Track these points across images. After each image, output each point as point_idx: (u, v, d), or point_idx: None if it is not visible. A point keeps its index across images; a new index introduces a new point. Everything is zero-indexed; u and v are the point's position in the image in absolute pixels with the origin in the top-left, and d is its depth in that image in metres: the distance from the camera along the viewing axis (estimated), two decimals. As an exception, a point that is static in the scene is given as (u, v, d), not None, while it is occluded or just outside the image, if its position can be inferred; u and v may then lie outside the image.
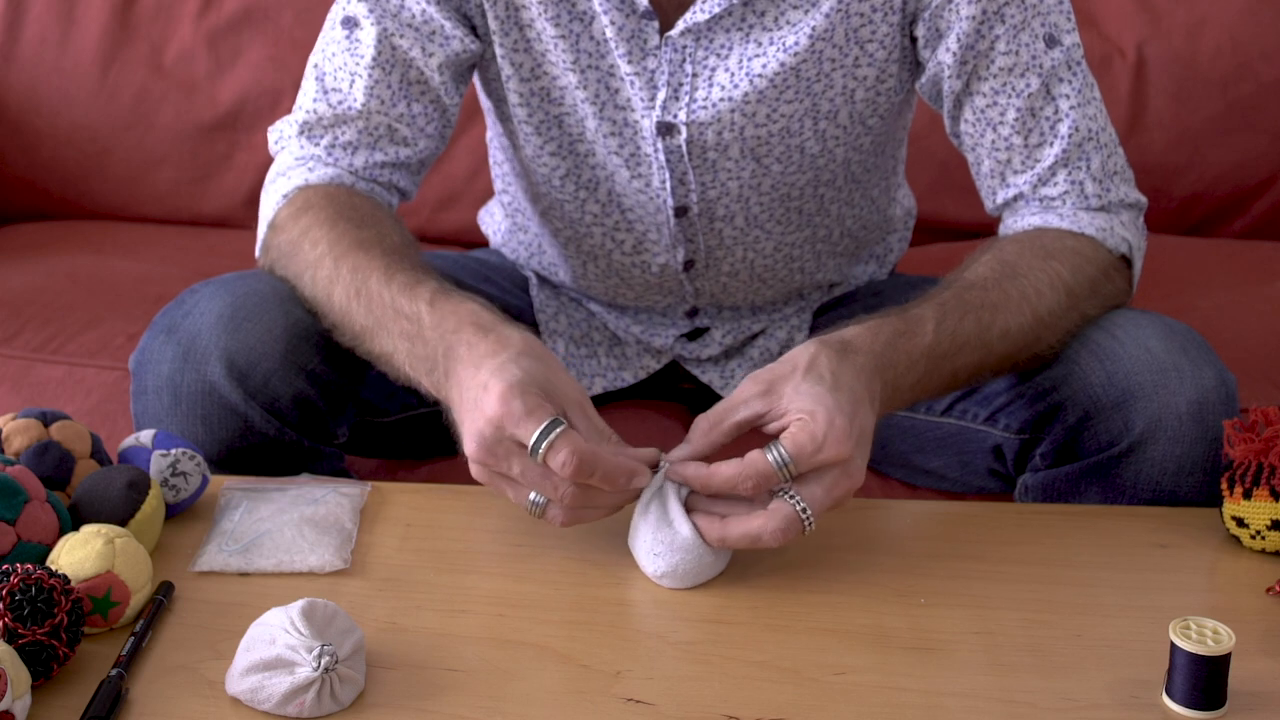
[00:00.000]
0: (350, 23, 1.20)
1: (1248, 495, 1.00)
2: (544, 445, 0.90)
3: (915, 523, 1.07)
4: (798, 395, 0.94)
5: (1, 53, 1.88)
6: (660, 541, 0.95)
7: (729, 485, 0.93)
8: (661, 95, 1.19)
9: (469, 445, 0.93)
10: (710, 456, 0.97)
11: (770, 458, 0.92)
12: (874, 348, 1.00)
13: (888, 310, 1.06)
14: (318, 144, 1.22)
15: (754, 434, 0.97)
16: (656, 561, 0.95)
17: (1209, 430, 1.08)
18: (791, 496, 0.92)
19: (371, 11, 1.19)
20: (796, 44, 1.17)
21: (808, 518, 0.93)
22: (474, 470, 0.95)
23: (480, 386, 0.93)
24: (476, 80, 1.31)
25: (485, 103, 1.33)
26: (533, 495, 0.94)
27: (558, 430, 0.90)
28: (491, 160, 1.43)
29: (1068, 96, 1.18)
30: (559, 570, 0.98)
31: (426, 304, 1.02)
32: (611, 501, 0.95)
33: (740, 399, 0.96)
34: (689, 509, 0.95)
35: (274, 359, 1.11)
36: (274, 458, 1.13)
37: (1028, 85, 1.17)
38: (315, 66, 1.23)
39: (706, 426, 0.97)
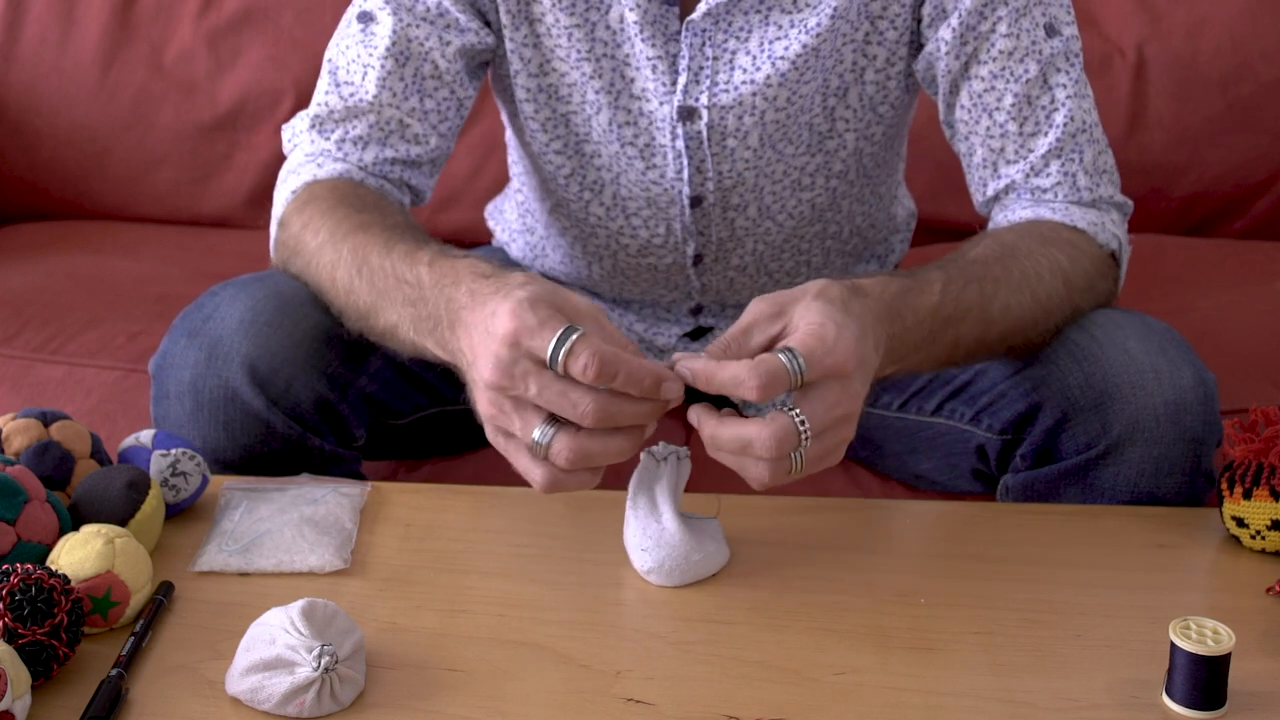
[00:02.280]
0: (366, 17, 1.21)
1: (1248, 495, 1.00)
2: (563, 351, 0.86)
3: (915, 523, 1.07)
4: (808, 311, 0.90)
5: (1, 53, 1.88)
6: (648, 536, 0.95)
7: (734, 382, 0.87)
8: (683, 80, 1.20)
9: (485, 372, 0.89)
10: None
11: (782, 357, 0.87)
12: (883, 295, 0.98)
13: (897, 270, 1.05)
14: (328, 138, 1.22)
15: None
16: (644, 557, 0.95)
17: (1187, 431, 1.07)
18: (791, 409, 0.88)
19: (387, 4, 1.19)
20: (818, 25, 1.17)
21: (805, 430, 0.88)
22: (485, 405, 0.91)
23: (489, 315, 0.90)
24: (489, 78, 1.31)
25: (499, 100, 1.33)
26: (536, 434, 0.89)
27: (575, 335, 0.86)
28: (509, 158, 1.43)
29: (1064, 86, 1.18)
30: (559, 570, 0.98)
31: (426, 266, 1.00)
32: (634, 416, 0.89)
33: (752, 323, 0.92)
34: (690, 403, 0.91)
35: (296, 364, 1.11)
36: (294, 463, 1.13)
37: (1026, 71, 1.17)
38: (329, 60, 1.23)
39: (720, 351, 0.91)
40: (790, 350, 0.87)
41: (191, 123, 1.89)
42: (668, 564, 0.95)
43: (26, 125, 1.90)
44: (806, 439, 0.88)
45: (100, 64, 1.88)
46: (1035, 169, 1.19)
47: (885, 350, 0.97)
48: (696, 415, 0.91)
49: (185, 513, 1.04)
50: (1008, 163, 1.21)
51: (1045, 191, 1.20)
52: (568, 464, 0.89)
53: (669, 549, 0.94)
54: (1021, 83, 1.18)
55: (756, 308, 0.92)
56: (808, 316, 0.90)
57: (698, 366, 0.89)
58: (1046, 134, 1.19)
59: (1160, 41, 1.85)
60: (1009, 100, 1.18)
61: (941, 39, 1.18)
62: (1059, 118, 1.18)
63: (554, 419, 0.89)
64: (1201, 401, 1.08)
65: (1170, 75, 1.85)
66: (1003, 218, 1.22)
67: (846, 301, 0.93)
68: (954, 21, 1.17)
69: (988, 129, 1.20)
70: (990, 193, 1.23)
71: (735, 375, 0.87)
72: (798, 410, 0.88)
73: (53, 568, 0.86)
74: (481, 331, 0.91)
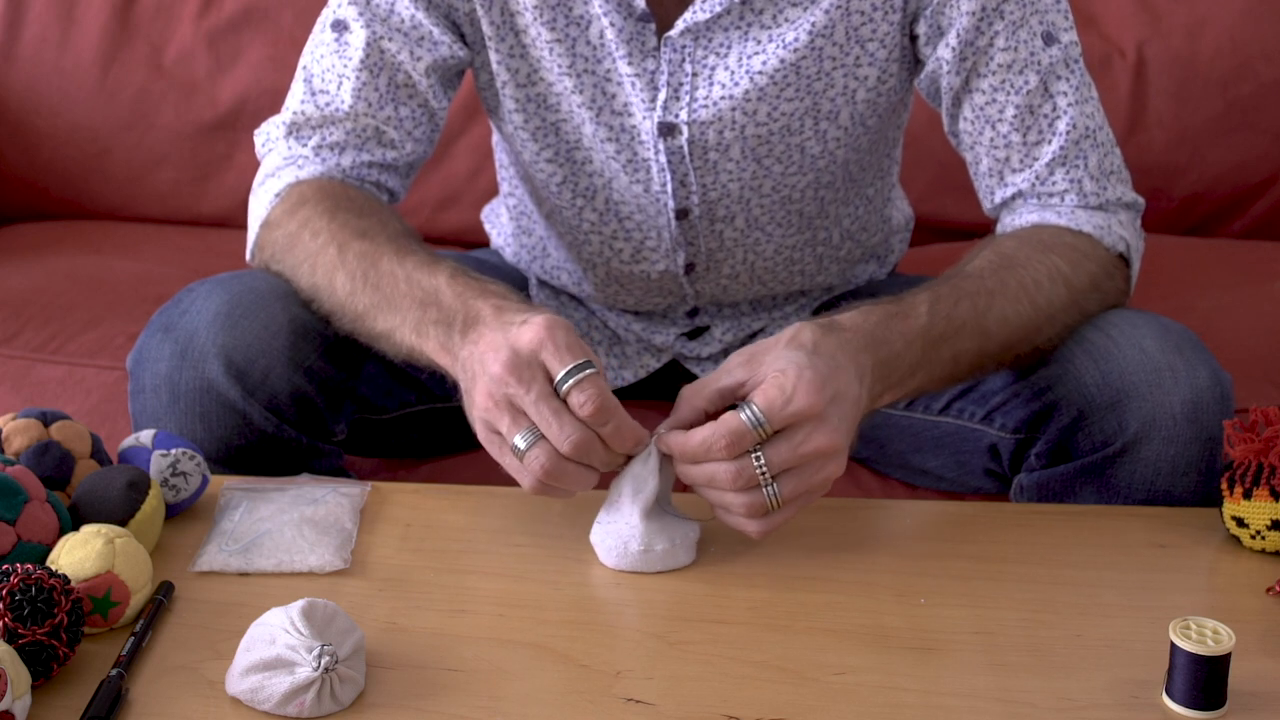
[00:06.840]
0: (340, 26, 1.21)
1: (1248, 495, 1.00)
2: (571, 380, 0.91)
3: (915, 523, 1.07)
4: (776, 360, 0.95)
5: (1, 53, 1.88)
6: (608, 514, 0.97)
7: (704, 447, 0.93)
8: (662, 95, 1.20)
9: (494, 366, 0.93)
10: (694, 425, 0.96)
11: (743, 415, 0.92)
12: (864, 326, 1.01)
13: (881, 297, 1.06)
14: (305, 144, 1.22)
15: None
16: (598, 530, 0.97)
17: (1203, 430, 1.08)
18: (754, 453, 0.93)
19: (361, 15, 1.20)
20: (796, 40, 1.17)
21: (761, 468, 0.92)
22: (482, 397, 0.94)
23: (519, 323, 0.94)
24: (475, 89, 1.31)
25: (486, 111, 1.33)
26: (519, 438, 0.93)
27: (589, 371, 0.92)
28: (497, 163, 1.43)
29: (1065, 94, 1.18)
30: (559, 570, 0.98)
31: (447, 276, 1.03)
32: (603, 461, 0.94)
33: (724, 369, 0.97)
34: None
35: (272, 355, 1.11)
36: (272, 455, 1.13)
37: (1026, 82, 1.17)
38: (304, 69, 1.24)
39: (690, 395, 0.97)
40: (749, 405, 0.92)
41: (191, 123, 1.89)
42: (616, 547, 0.96)
43: (26, 125, 1.90)
44: (765, 474, 0.93)
45: (100, 64, 1.88)
46: (1041, 177, 1.20)
47: (874, 378, 1.00)
48: (669, 444, 0.96)
49: (185, 513, 1.04)
50: (1013, 171, 1.21)
51: (1052, 197, 1.20)
52: (542, 474, 0.93)
53: (626, 532, 0.96)
54: (1022, 94, 1.17)
55: (731, 359, 0.98)
56: (774, 365, 0.95)
57: (675, 442, 0.94)
58: (1050, 142, 1.19)
59: (1160, 41, 1.85)
60: (1010, 112, 1.18)
61: (941, 58, 1.18)
62: (1062, 125, 1.18)
63: (538, 430, 0.93)
64: (1218, 401, 1.09)
65: (1170, 75, 1.85)
66: (1010, 221, 1.22)
67: (818, 343, 0.97)
68: (951, 40, 1.17)
69: (991, 140, 1.20)
70: (998, 200, 1.23)
71: (704, 439, 0.93)
72: (759, 454, 0.93)
73: (53, 568, 0.86)
74: (503, 335, 0.94)
